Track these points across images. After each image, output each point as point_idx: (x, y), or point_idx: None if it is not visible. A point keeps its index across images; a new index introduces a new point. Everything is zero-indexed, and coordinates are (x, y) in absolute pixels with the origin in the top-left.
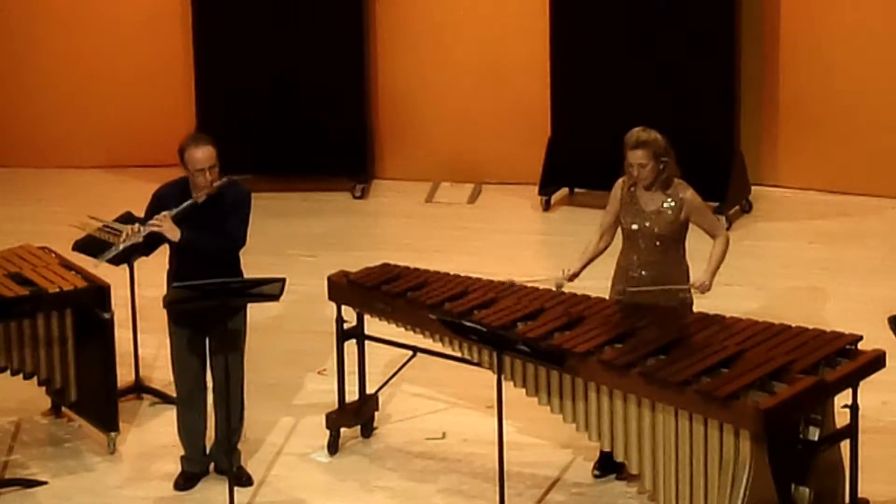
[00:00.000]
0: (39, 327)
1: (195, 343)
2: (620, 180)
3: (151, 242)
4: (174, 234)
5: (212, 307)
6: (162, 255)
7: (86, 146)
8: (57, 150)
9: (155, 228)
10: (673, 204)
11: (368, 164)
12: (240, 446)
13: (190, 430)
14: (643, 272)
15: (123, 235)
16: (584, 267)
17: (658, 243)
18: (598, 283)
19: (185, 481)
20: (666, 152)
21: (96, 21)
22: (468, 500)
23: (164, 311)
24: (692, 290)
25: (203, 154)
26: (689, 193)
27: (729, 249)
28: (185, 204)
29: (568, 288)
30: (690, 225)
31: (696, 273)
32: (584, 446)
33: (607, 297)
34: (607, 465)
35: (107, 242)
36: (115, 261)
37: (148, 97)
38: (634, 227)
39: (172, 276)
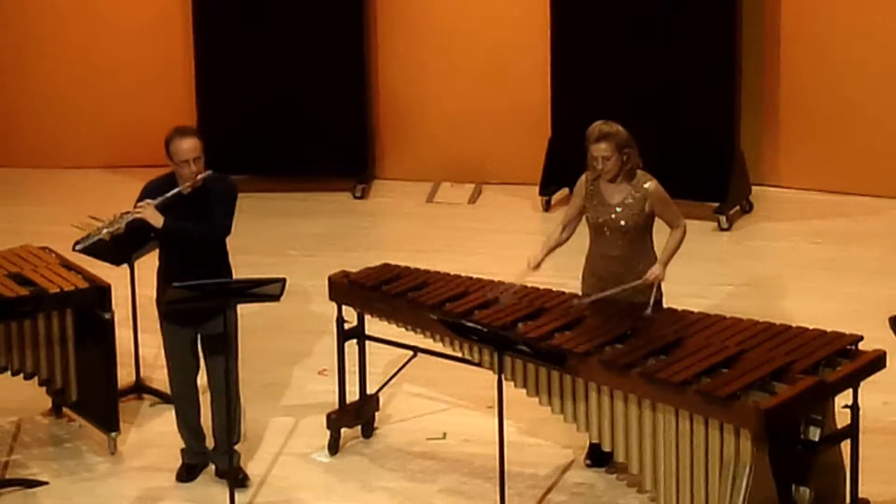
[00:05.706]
0: (40, 327)
1: (187, 340)
2: (584, 176)
3: (136, 234)
4: (157, 219)
5: (203, 306)
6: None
7: (86, 146)
8: (57, 150)
9: (138, 214)
10: (637, 195)
11: (368, 164)
12: (238, 447)
13: (187, 423)
14: (612, 266)
15: (106, 222)
16: (545, 256)
17: (625, 236)
18: (570, 280)
19: (187, 473)
20: (628, 143)
21: (97, 21)
22: (468, 501)
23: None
24: (649, 282)
25: (188, 145)
26: (652, 184)
27: (685, 239)
28: (170, 193)
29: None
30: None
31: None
32: (584, 446)
33: (579, 293)
34: (598, 457)
35: (106, 243)
36: (114, 261)
37: (148, 97)
38: (600, 220)
39: (161, 272)
